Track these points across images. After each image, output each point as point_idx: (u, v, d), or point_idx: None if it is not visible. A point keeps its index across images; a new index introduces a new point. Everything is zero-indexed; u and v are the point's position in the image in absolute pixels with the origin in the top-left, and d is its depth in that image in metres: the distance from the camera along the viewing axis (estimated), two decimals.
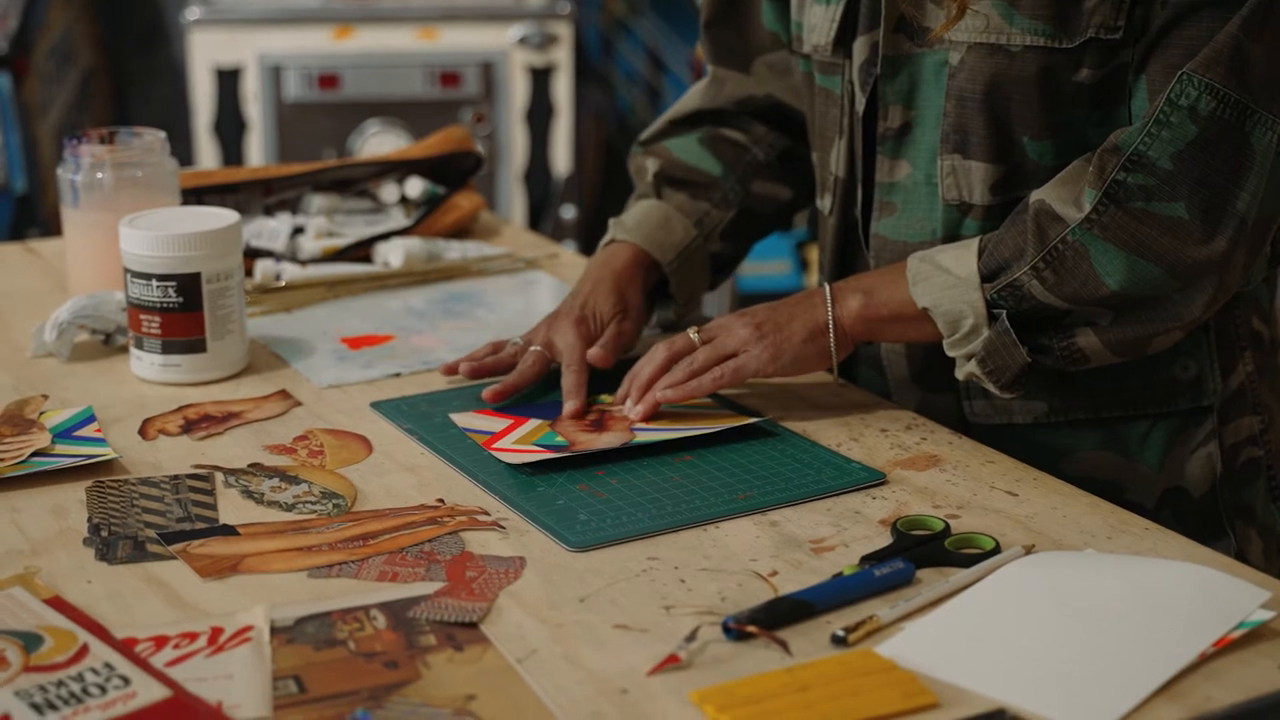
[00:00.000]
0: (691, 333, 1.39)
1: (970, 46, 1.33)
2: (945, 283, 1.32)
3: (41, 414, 1.38)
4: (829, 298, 1.37)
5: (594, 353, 1.43)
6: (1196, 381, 1.41)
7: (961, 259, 1.32)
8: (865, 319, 1.36)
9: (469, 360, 1.47)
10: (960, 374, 1.34)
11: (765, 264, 3.47)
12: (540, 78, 3.69)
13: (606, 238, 1.55)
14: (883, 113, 1.40)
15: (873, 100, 1.40)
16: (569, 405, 1.38)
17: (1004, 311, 1.30)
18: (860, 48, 1.40)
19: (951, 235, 1.38)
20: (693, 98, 1.62)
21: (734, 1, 1.57)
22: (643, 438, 1.33)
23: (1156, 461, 1.41)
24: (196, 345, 1.46)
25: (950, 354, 1.34)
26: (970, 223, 1.38)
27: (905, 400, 1.46)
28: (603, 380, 1.45)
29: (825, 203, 1.50)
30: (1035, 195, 1.31)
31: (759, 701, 0.95)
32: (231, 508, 1.23)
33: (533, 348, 1.45)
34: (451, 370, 1.47)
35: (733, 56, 1.59)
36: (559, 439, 1.33)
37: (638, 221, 1.54)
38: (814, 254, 3.51)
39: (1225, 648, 1.01)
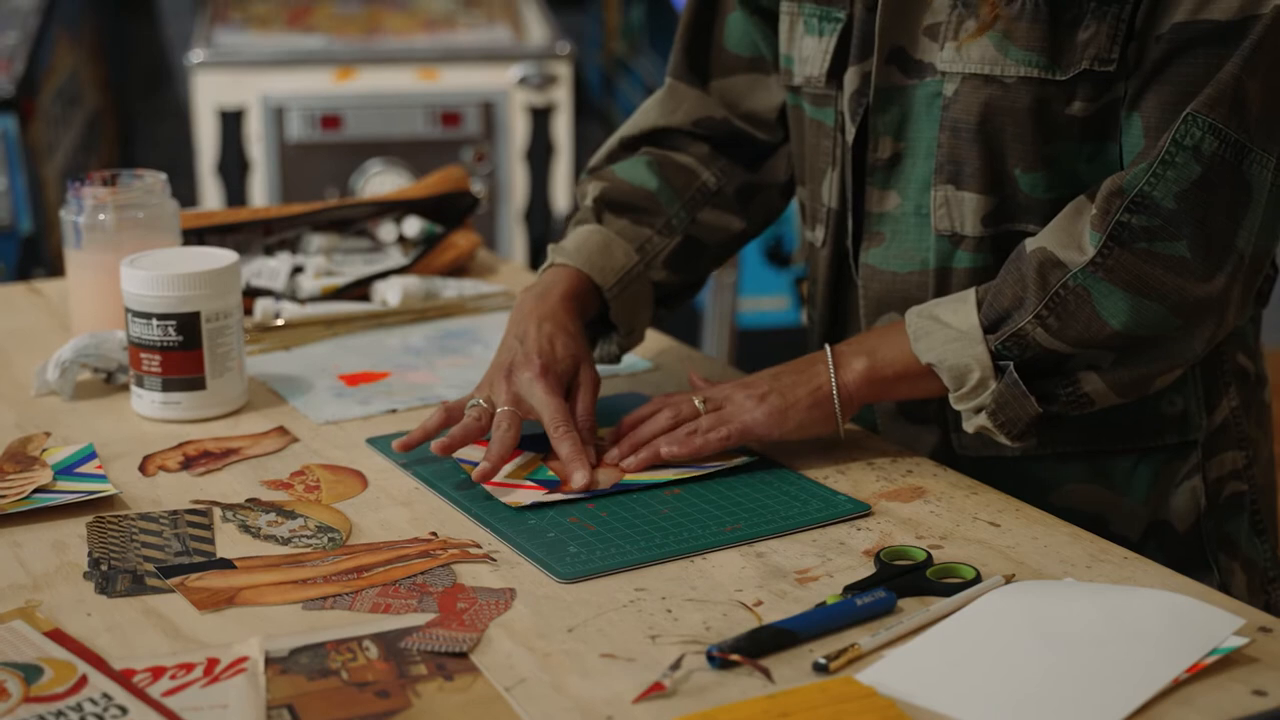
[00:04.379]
0: (696, 400, 1.38)
1: (965, 77, 1.35)
2: (947, 337, 1.32)
3: (44, 451, 1.41)
4: (831, 362, 1.36)
5: (582, 421, 1.38)
6: (1182, 417, 1.42)
7: (961, 312, 1.32)
8: (871, 380, 1.36)
9: (436, 440, 1.36)
10: (970, 427, 1.34)
11: (764, 300, 3.50)
12: (540, 117, 3.73)
13: (545, 264, 1.51)
14: (873, 144, 1.41)
15: (862, 130, 1.41)
16: (578, 476, 1.31)
17: (1010, 363, 1.31)
18: (851, 78, 1.41)
19: (942, 266, 1.39)
20: (648, 114, 1.59)
21: (708, 18, 1.56)
22: (634, 476, 1.35)
23: (1142, 495, 1.43)
24: (196, 383, 1.49)
25: (957, 407, 1.34)
26: (961, 254, 1.38)
27: (892, 434, 1.47)
28: (598, 417, 1.47)
29: (817, 234, 1.51)
30: (1032, 243, 1.31)
31: None
32: (229, 542, 1.25)
33: (502, 408, 1.36)
34: (408, 447, 1.37)
35: (695, 74, 1.57)
36: (550, 474, 1.35)
37: (577, 246, 1.49)
38: None
39: (1199, 673, 1.03)
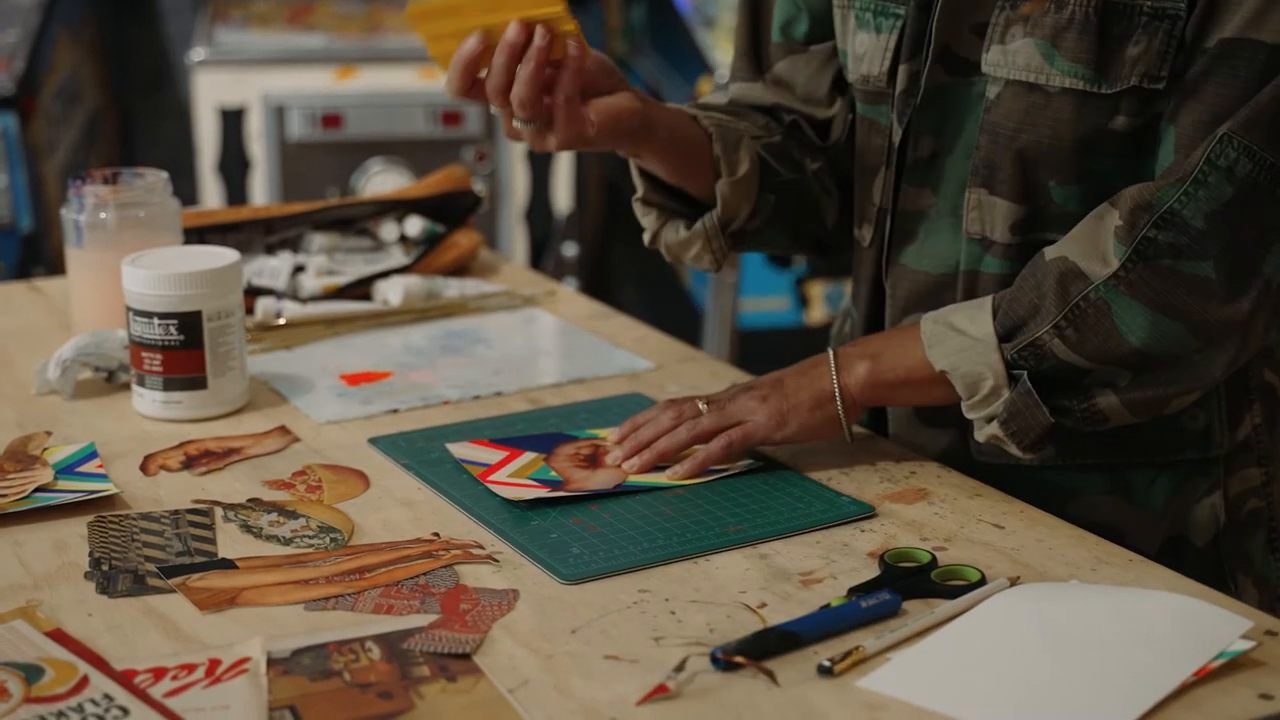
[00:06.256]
0: (700, 402, 1.37)
1: (1007, 83, 1.32)
2: (961, 344, 1.30)
3: (45, 450, 1.40)
4: (834, 365, 1.35)
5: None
6: (1205, 432, 1.39)
7: (976, 319, 1.31)
8: (873, 384, 1.34)
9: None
10: (981, 436, 1.32)
11: (764, 300, 3.49)
12: None
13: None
14: (913, 142, 1.39)
15: (906, 128, 1.39)
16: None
17: (1024, 372, 1.29)
18: (901, 77, 1.39)
19: (971, 270, 1.37)
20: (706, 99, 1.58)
21: (756, 26, 1.55)
22: (637, 479, 1.34)
23: (1160, 509, 1.40)
24: (197, 382, 1.48)
25: (969, 416, 1.32)
26: (990, 259, 1.36)
27: (908, 438, 1.44)
28: (599, 417, 1.47)
29: (865, 233, 1.48)
30: (1052, 252, 1.29)
31: None
32: (230, 542, 1.25)
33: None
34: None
35: (753, 71, 1.57)
36: (553, 474, 1.35)
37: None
38: (814, 290, 3.53)
39: (1206, 677, 1.02)
